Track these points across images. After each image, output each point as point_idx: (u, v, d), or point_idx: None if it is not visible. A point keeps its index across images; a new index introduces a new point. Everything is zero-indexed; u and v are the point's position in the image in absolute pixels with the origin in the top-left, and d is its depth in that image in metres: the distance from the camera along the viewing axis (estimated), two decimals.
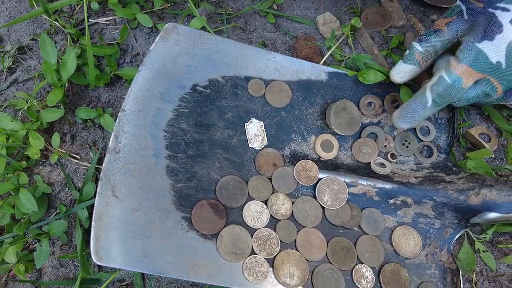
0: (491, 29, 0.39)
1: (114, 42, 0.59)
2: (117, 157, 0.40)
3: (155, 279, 0.48)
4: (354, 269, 0.43)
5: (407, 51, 0.47)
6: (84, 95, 0.57)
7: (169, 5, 0.59)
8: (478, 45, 0.40)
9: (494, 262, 0.46)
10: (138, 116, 0.43)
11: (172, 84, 0.45)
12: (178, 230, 0.40)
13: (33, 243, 0.50)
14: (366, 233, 0.46)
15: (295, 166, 0.46)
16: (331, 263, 0.43)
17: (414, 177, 0.48)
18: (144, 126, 0.42)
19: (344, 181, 0.46)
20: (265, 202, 0.44)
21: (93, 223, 0.37)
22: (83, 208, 0.47)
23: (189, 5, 0.54)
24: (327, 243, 0.44)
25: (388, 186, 0.47)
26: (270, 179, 0.46)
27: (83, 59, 0.56)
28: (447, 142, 0.51)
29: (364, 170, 0.48)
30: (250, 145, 0.46)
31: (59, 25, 0.58)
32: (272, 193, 0.45)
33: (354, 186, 0.47)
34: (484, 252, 0.46)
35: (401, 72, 0.47)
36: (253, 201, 0.44)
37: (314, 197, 0.46)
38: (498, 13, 0.40)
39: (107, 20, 0.60)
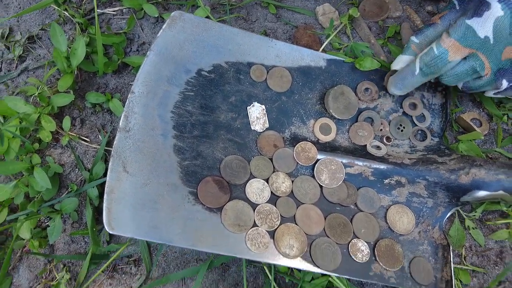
0: (480, 7, 0.42)
1: (121, 31, 0.62)
2: (127, 135, 0.44)
3: (161, 254, 0.51)
4: (350, 243, 0.47)
5: (406, 45, 0.51)
6: (93, 82, 0.60)
7: None
8: (468, 21, 0.42)
9: (482, 238, 0.49)
10: (147, 98, 0.46)
11: (179, 69, 0.48)
12: (185, 204, 0.43)
13: (45, 221, 0.54)
14: (361, 211, 0.49)
15: (295, 148, 0.50)
16: (328, 237, 0.46)
17: (408, 158, 0.51)
18: (153, 108, 0.46)
19: (341, 162, 0.50)
20: (267, 180, 0.48)
21: (105, 196, 0.41)
22: (93, 187, 0.51)
23: None
24: (325, 219, 0.47)
25: (383, 166, 0.50)
26: (271, 159, 0.49)
27: (91, 48, 0.59)
28: (440, 127, 0.54)
29: (360, 152, 0.52)
30: (252, 127, 0.50)
31: (68, 15, 0.61)
32: (273, 172, 0.48)
33: (351, 167, 0.50)
34: (473, 229, 0.50)
35: (400, 62, 0.51)
36: (255, 179, 0.47)
37: (313, 176, 0.49)
38: None
39: (114, 10, 0.63)
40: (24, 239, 0.52)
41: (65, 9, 0.62)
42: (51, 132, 0.55)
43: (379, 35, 0.60)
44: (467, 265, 0.49)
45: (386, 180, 0.50)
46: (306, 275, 0.47)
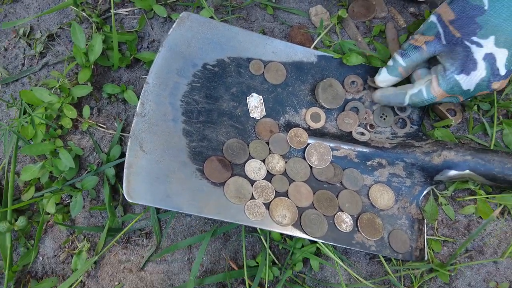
0: (468, 65, 0.49)
1: (133, 30, 0.70)
2: (143, 120, 0.52)
3: (170, 227, 0.59)
4: (335, 215, 0.55)
5: (391, 62, 0.56)
6: (108, 75, 0.68)
7: None
8: (456, 77, 0.50)
9: (453, 213, 0.57)
10: (159, 88, 0.54)
11: (187, 63, 0.56)
12: (193, 178, 0.51)
13: (67, 199, 0.62)
14: (346, 188, 0.57)
15: (288, 133, 0.58)
16: (316, 209, 0.54)
17: (388, 143, 0.59)
18: (164, 96, 0.54)
19: (329, 146, 0.58)
20: (263, 161, 0.56)
21: (125, 171, 0.49)
22: (111, 167, 0.59)
23: None
24: (314, 194, 0.55)
25: (366, 150, 0.58)
26: (267, 142, 0.57)
27: (106, 44, 0.67)
28: (419, 116, 0.62)
29: (346, 138, 0.60)
30: (251, 115, 0.58)
31: (85, 15, 0.70)
32: (269, 154, 0.56)
33: (337, 150, 0.58)
34: (445, 205, 0.58)
35: (386, 82, 0.58)
36: (253, 159, 0.55)
37: (304, 158, 0.57)
38: (473, 48, 0.48)
39: (126, 11, 0.71)
40: (49, 214, 0.60)
41: (83, 10, 0.70)
42: (72, 119, 0.63)
43: (366, 34, 0.68)
44: (439, 236, 0.57)
45: (369, 162, 0.58)
46: (297, 242, 0.54)
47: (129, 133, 0.51)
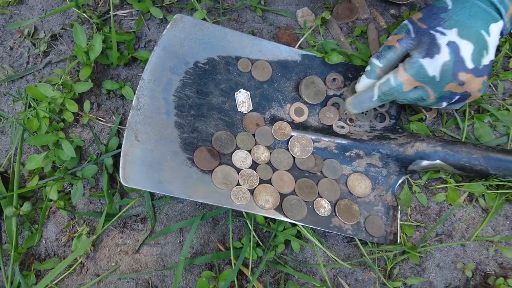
0: (432, 49, 0.52)
1: (131, 30, 0.76)
2: (138, 112, 0.58)
3: (164, 213, 0.65)
4: (315, 201, 0.60)
5: (368, 67, 0.58)
6: (107, 73, 0.74)
7: (176, 0, 0.76)
8: (421, 60, 0.52)
9: (425, 200, 0.63)
10: (154, 84, 0.60)
11: (179, 61, 0.62)
12: (183, 166, 0.57)
13: (68, 188, 0.68)
14: (326, 177, 0.63)
15: (273, 126, 0.63)
16: (297, 195, 0.60)
17: (366, 135, 0.65)
18: (158, 91, 0.60)
19: (311, 138, 0.63)
20: (249, 151, 0.61)
21: (121, 158, 0.54)
22: (109, 157, 0.65)
23: (192, 0, 0.72)
24: (295, 182, 0.61)
25: (344, 141, 0.64)
26: (253, 135, 0.63)
27: (106, 44, 0.73)
28: (397, 111, 0.68)
29: (327, 131, 0.65)
30: (238, 109, 0.63)
31: (86, 16, 0.75)
32: (255, 145, 0.62)
33: (318, 142, 0.64)
34: (419, 193, 0.63)
35: (364, 85, 0.60)
36: (240, 150, 0.61)
37: (287, 149, 0.63)
38: (437, 35, 0.52)
39: (125, 13, 0.77)
40: (52, 201, 0.65)
41: (84, 11, 0.75)
42: (73, 113, 0.68)
43: (348, 34, 0.74)
44: (412, 222, 0.62)
45: (347, 153, 0.64)
46: (279, 226, 0.60)
47: (126, 125, 0.57)
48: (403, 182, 0.64)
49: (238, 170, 0.59)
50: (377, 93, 0.57)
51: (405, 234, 0.61)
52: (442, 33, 0.52)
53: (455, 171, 0.61)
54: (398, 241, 0.60)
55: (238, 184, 0.58)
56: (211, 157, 0.58)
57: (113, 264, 0.63)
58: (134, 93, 0.67)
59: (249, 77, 0.65)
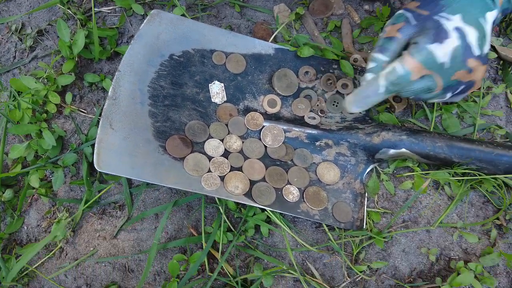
0: (439, 34, 0.49)
1: (114, 26, 0.79)
2: (114, 102, 0.60)
3: (140, 200, 0.67)
4: (284, 188, 0.62)
5: (372, 63, 0.54)
6: (90, 67, 0.77)
7: None
8: (429, 46, 0.49)
9: (393, 188, 0.65)
10: (130, 75, 0.62)
11: (155, 54, 0.65)
12: (156, 153, 0.60)
13: (50, 176, 0.70)
14: (296, 165, 0.65)
15: (246, 116, 0.66)
16: (267, 182, 0.62)
17: (335, 126, 0.67)
18: (134, 82, 0.62)
19: (282, 128, 0.66)
20: (222, 140, 0.64)
21: (96, 145, 0.57)
22: (89, 146, 0.67)
23: None
24: (266, 169, 0.63)
25: (314, 131, 0.66)
26: (226, 125, 0.65)
27: (89, 39, 0.76)
28: None
29: (299, 121, 0.68)
30: (212, 100, 0.66)
31: (71, 13, 0.78)
32: (228, 134, 0.64)
33: (290, 132, 0.66)
34: (386, 181, 0.65)
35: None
36: (212, 139, 0.63)
37: (259, 139, 0.65)
38: (443, 20, 0.50)
39: (108, 9, 0.80)
40: (34, 188, 0.68)
41: (68, 8, 0.79)
42: (56, 105, 0.71)
43: (323, 29, 0.77)
44: (379, 208, 0.65)
45: (317, 143, 0.66)
46: (250, 211, 0.62)
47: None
48: (371, 171, 0.67)
49: (210, 158, 0.62)
50: (384, 84, 0.52)
51: (372, 220, 0.64)
52: (447, 19, 0.50)
53: (421, 160, 0.64)
54: (364, 227, 0.62)
55: (209, 171, 0.60)
56: (183, 145, 0.61)
57: (92, 248, 0.65)
58: None
59: (224, 69, 0.68)
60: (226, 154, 0.63)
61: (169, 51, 0.66)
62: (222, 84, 0.67)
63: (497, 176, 0.61)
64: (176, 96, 0.64)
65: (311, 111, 0.69)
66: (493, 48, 0.73)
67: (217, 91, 0.66)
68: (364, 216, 0.63)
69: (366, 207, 0.64)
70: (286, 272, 0.61)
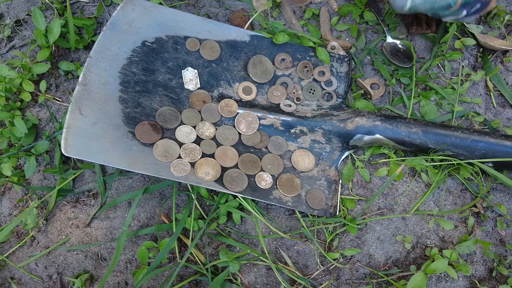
0: None
1: (92, 16, 0.78)
2: (84, 88, 0.60)
3: (114, 188, 0.67)
4: (257, 175, 0.62)
5: None
6: (67, 56, 0.76)
7: None
8: None
9: (368, 175, 0.64)
10: (101, 61, 0.62)
11: (127, 40, 0.64)
12: (124, 139, 0.59)
13: (24, 165, 0.70)
14: (271, 153, 0.64)
15: (220, 103, 0.65)
16: (239, 169, 0.61)
17: (310, 113, 0.66)
18: (105, 69, 0.62)
19: (257, 115, 0.65)
20: (194, 127, 0.63)
21: (64, 130, 0.56)
22: (61, 134, 0.66)
23: None
24: (239, 156, 0.62)
25: (289, 119, 0.65)
26: (200, 111, 0.64)
27: (67, 29, 0.75)
28: (344, 90, 0.69)
29: (275, 109, 0.67)
30: (185, 87, 0.65)
31: (48, 2, 0.78)
32: (201, 121, 0.64)
33: (264, 119, 0.65)
34: (361, 168, 0.64)
35: None
36: (184, 125, 0.63)
37: (234, 126, 0.65)
38: None
39: None
40: (7, 177, 0.67)
41: None
42: (31, 94, 0.71)
43: (301, 17, 0.76)
44: (353, 196, 0.64)
45: (292, 130, 0.65)
46: (222, 198, 0.62)
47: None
48: (347, 158, 0.66)
49: (181, 145, 0.61)
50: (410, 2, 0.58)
51: (346, 207, 0.63)
52: None
53: (397, 146, 0.63)
54: (338, 214, 0.61)
55: (180, 157, 0.60)
56: (153, 131, 0.60)
57: (64, 237, 0.65)
58: None
59: (198, 56, 0.67)
60: (198, 140, 0.62)
61: (141, 38, 0.65)
62: (196, 71, 0.66)
63: (472, 161, 0.60)
64: (148, 82, 0.63)
65: (287, 98, 0.68)
66: (473, 35, 0.73)
67: (190, 77, 0.66)
68: (337, 203, 0.62)
69: (341, 194, 0.63)
70: (258, 260, 0.60)
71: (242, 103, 0.66)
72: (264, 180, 0.61)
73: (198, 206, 0.62)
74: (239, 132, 0.64)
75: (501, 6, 0.74)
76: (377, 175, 0.64)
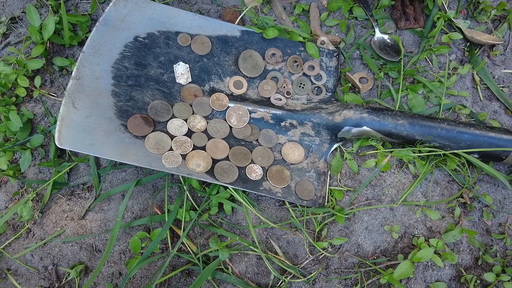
0: None
1: (86, 13, 0.80)
2: (77, 82, 0.61)
3: (108, 181, 0.68)
4: (247, 166, 0.63)
5: None
6: (62, 52, 0.77)
7: None
8: None
9: (356, 167, 0.65)
10: (94, 56, 0.63)
11: (120, 35, 0.65)
12: (117, 132, 0.60)
13: (19, 158, 0.71)
14: (261, 145, 0.65)
15: (211, 97, 0.66)
16: (230, 161, 0.62)
17: (300, 106, 0.67)
18: (97, 63, 0.63)
19: (247, 109, 0.66)
20: (186, 120, 0.64)
21: (57, 122, 0.58)
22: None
23: None
24: (230, 149, 0.63)
25: (279, 112, 0.66)
26: (191, 105, 0.66)
27: (61, 25, 0.77)
28: (333, 84, 0.71)
29: (265, 103, 0.68)
30: (177, 81, 0.67)
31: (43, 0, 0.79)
32: (192, 114, 0.65)
33: (255, 112, 0.67)
34: (350, 160, 0.66)
35: None
36: (176, 118, 0.64)
37: (225, 119, 0.66)
38: None
39: None
40: (3, 170, 0.69)
41: None
42: (27, 89, 0.72)
43: (292, 13, 0.77)
44: (341, 187, 0.65)
45: (282, 123, 0.67)
46: (213, 189, 0.63)
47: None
48: (335, 150, 0.67)
49: (172, 137, 0.62)
50: None
51: (335, 198, 0.64)
52: None
53: (384, 138, 0.64)
54: (325, 204, 0.62)
55: (171, 149, 0.61)
56: (145, 124, 0.61)
57: (59, 229, 0.66)
58: None
59: (189, 51, 0.68)
60: (189, 133, 0.64)
61: (134, 33, 0.66)
62: (187, 65, 0.67)
63: (457, 151, 0.61)
64: (140, 76, 0.65)
65: (277, 92, 0.69)
66: (460, 30, 0.74)
67: (181, 72, 0.67)
68: (326, 193, 0.63)
69: (330, 186, 0.64)
70: (249, 250, 0.62)
71: (233, 97, 0.68)
72: (255, 172, 0.63)
73: (190, 198, 0.63)
74: (230, 125, 0.66)
75: (488, 1, 0.75)
76: (365, 167, 0.65)
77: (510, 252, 0.63)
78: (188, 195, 0.63)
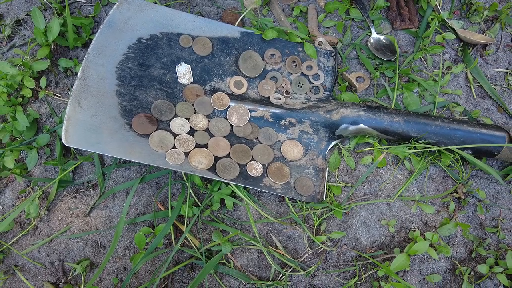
0: None
1: (90, 15, 0.81)
2: (82, 82, 0.63)
3: (112, 179, 0.70)
4: (248, 163, 0.65)
5: None
6: (66, 54, 0.79)
7: None
8: None
9: (353, 163, 0.67)
10: (98, 57, 0.65)
11: (123, 37, 0.67)
12: (121, 130, 0.62)
13: (26, 157, 0.73)
14: (261, 143, 0.67)
15: (212, 96, 0.68)
16: (231, 158, 0.64)
17: (298, 105, 0.69)
18: (102, 64, 0.65)
19: (248, 108, 0.68)
20: (188, 119, 0.66)
21: (64, 122, 0.59)
22: (61, 127, 0.70)
23: None
24: (231, 147, 0.65)
25: (278, 111, 0.68)
26: (193, 104, 0.68)
27: (65, 27, 0.78)
28: (331, 83, 0.73)
29: (265, 102, 0.70)
30: (179, 81, 0.68)
31: (47, 2, 0.81)
32: (194, 113, 0.67)
33: (255, 111, 0.68)
34: (347, 157, 0.68)
35: None
36: (178, 117, 0.66)
37: (226, 118, 0.68)
38: None
39: None
40: (10, 169, 0.70)
41: None
42: (32, 90, 0.74)
43: (290, 14, 0.79)
44: (339, 182, 0.67)
45: (282, 122, 0.69)
46: (215, 186, 0.65)
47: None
48: (333, 147, 0.69)
49: (175, 135, 0.64)
50: None
51: (333, 194, 0.66)
52: None
53: (380, 135, 0.66)
54: (323, 200, 0.64)
55: (174, 147, 0.63)
56: (148, 122, 0.63)
57: (65, 226, 0.68)
58: None
59: (191, 52, 0.70)
60: (192, 132, 0.65)
61: (137, 35, 0.68)
62: (189, 66, 0.69)
63: (451, 147, 0.63)
64: (143, 77, 0.67)
65: (276, 92, 0.71)
66: (453, 30, 0.76)
67: (184, 72, 0.69)
68: (324, 189, 0.65)
69: (328, 182, 0.66)
70: (250, 244, 0.63)
71: (233, 97, 0.69)
72: (255, 169, 0.64)
73: (193, 194, 0.65)
74: (231, 124, 0.67)
75: (481, 2, 0.77)
76: (362, 163, 0.67)
77: (503, 245, 0.65)
78: (191, 191, 0.65)
